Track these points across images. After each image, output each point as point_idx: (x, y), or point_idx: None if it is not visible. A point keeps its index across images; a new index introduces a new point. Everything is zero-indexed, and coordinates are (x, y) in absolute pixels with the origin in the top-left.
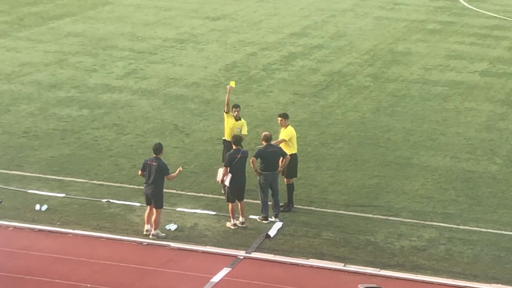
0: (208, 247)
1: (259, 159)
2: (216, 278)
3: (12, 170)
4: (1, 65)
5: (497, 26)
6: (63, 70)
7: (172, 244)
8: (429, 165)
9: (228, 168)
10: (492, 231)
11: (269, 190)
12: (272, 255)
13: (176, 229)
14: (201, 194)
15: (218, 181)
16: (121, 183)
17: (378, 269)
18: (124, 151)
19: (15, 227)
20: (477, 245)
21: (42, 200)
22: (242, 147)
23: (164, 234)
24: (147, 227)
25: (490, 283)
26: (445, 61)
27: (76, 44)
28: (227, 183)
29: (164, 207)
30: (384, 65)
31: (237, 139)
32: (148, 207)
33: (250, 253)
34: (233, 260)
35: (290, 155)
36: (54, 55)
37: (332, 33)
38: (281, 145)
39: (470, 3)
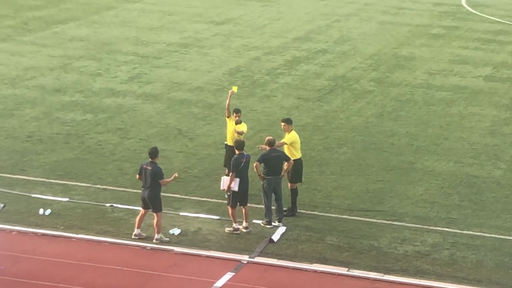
0: (211, 251)
1: (262, 164)
2: (220, 283)
3: (16, 174)
4: (6, 69)
5: (501, 31)
6: (67, 74)
7: (176, 249)
8: (433, 170)
9: (234, 174)
10: (496, 236)
11: (273, 194)
12: (276, 260)
13: (179, 234)
14: (205, 199)
15: (223, 189)
16: (124, 188)
17: (382, 274)
18: (127, 155)
19: (18, 231)
20: (481, 250)
21: (45, 204)
22: (245, 152)
23: (167, 239)
24: (136, 231)
25: None
26: (449, 66)
27: (80, 49)
28: (236, 188)
29: (167, 211)
30: (388, 70)
31: (240, 144)
32: (142, 210)
33: (253, 258)
34: (237, 265)
35: (294, 160)
36: (59, 59)
37: (336, 37)
38: (285, 151)
39: (474, 8)
